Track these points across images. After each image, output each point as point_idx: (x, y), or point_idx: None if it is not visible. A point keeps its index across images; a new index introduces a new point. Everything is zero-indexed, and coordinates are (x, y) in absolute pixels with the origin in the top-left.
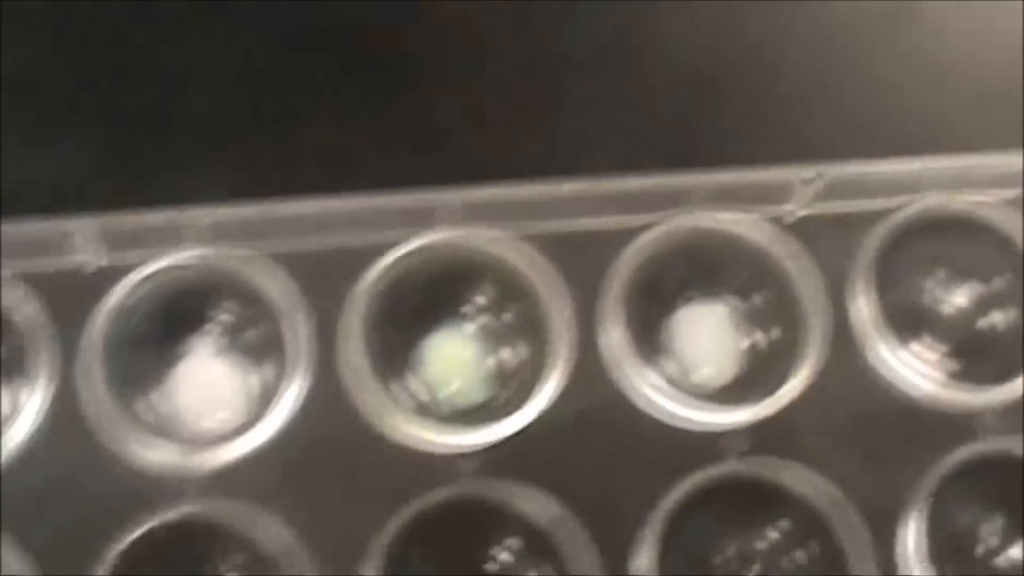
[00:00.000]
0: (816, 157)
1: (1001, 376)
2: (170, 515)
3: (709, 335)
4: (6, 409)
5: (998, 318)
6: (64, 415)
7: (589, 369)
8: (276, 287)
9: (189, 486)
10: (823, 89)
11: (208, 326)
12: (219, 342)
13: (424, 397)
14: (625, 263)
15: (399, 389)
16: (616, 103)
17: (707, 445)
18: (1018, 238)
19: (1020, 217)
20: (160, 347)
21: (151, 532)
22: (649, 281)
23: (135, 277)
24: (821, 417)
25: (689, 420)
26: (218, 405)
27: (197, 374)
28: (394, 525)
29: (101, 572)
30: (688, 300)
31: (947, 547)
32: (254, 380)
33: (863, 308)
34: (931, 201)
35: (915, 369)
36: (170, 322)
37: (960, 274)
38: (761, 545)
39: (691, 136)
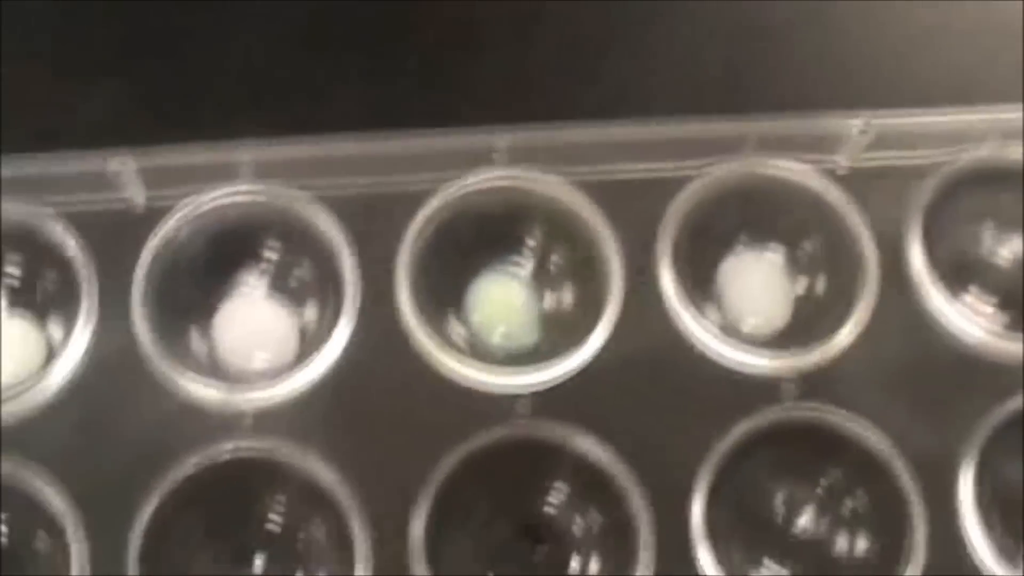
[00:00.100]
0: (868, 105)
1: None
2: (220, 453)
3: (760, 283)
4: (58, 341)
5: None
6: (113, 351)
7: (641, 314)
8: (326, 227)
9: (239, 424)
10: (876, 36)
11: (257, 264)
12: (268, 281)
13: (474, 339)
14: (677, 209)
15: (449, 331)
16: (669, 49)
17: (760, 391)
18: None
19: None
20: (209, 284)
21: (200, 469)
22: (701, 227)
23: (184, 212)
24: (874, 365)
25: (742, 365)
26: (267, 343)
27: (246, 312)
28: (445, 465)
29: (149, 507)
30: (739, 247)
31: (999, 496)
32: (303, 319)
33: (915, 258)
34: (984, 152)
35: (967, 319)
36: (218, 260)
37: (1013, 225)
38: (813, 491)
39: (743, 83)
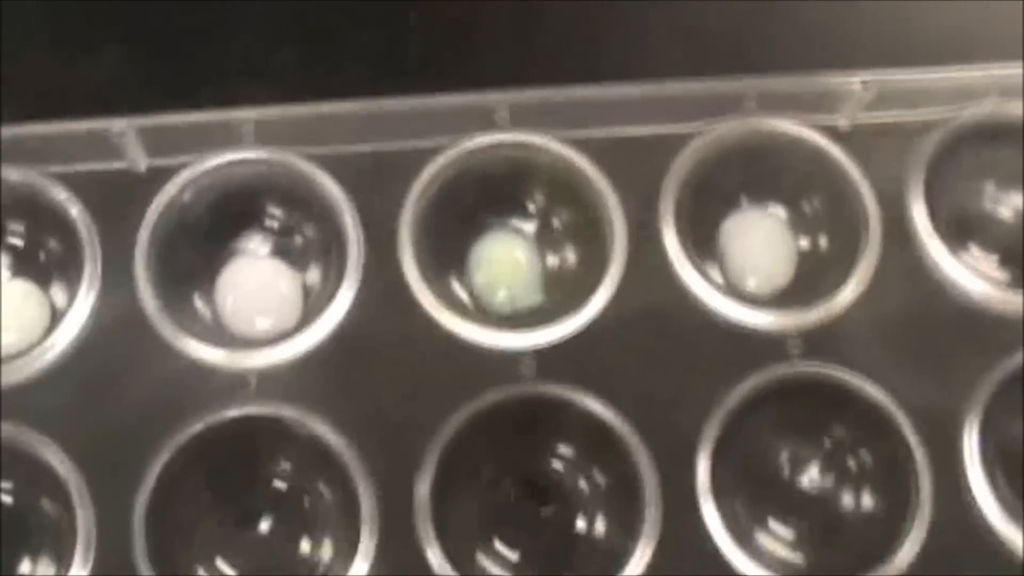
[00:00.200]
0: (869, 65)
1: None
2: (224, 415)
3: (762, 241)
4: (61, 306)
5: None
6: (116, 315)
7: (644, 272)
8: (329, 189)
9: (244, 386)
10: None
11: (260, 227)
12: (271, 244)
13: (477, 299)
14: (680, 168)
15: (453, 291)
16: (671, 11)
17: (764, 348)
18: None
19: None
20: (212, 248)
21: (205, 432)
22: (703, 186)
23: (186, 176)
24: (877, 321)
25: (745, 323)
26: (271, 306)
27: (249, 275)
28: (449, 425)
29: (154, 471)
30: (742, 206)
31: (1004, 451)
32: (306, 282)
33: (917, 214)
34: (985, 108)
35: (969, 274)
36: (221, 223)
37: (1014, 181)
38: (818, 448)
39: (744, 44)
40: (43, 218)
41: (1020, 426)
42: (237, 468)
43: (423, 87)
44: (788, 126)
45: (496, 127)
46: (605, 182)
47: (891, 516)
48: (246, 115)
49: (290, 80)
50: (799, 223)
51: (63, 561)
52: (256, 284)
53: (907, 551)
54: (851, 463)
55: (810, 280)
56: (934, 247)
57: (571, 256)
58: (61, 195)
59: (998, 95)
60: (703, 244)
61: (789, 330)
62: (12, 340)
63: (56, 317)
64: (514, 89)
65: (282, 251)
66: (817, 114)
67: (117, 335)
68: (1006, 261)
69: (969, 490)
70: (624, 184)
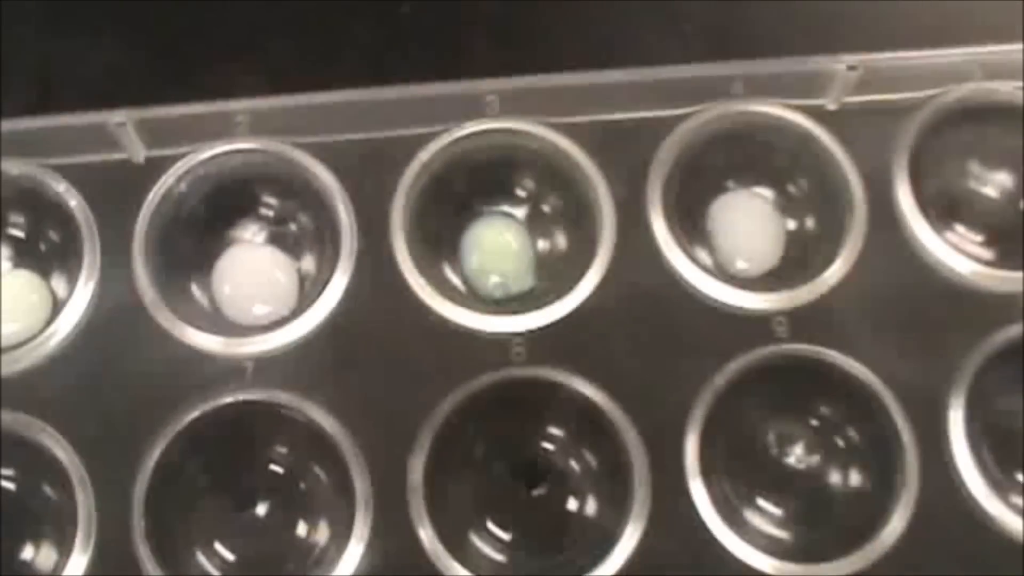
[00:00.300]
0: (854, 48)
1: None
2: (221, 401)
3: (750, 223)
4: (61, 295)
5: None
6: (115, 303)
7: (633, 255)
8: (323, 178)
9: (240, 372)
10: None
11: (255, 216)
12: (267, 232)
13: (470, 284)
14: (667, 151)
15: (445, 277)
16: None
17: (751, 329)
18: None
19: None
20: (209, 236)
21: (203, 417)
22: (691, 169)
23: (183, 167)
24: (863, 301)
25: (733, 305)
26: (267, 293)
27: (245, 263)
28: (442, 409)
29: (153, 456)
30: (729, 188)
31: (990, 429)
32: (301, 269)
33: (902, 194)
34: (968, 90)
35: (954, 253)
36: (217, 212)
37: (997, 161)
38: (805, 428)
39: (730, 27)
40: (43, 209)
41: (1005, 403)
42: (234, 452)
43: (414, 76)
44: (775, 109)
45: (486, 114)
46: (594, 166)
47: (878, 493)
48: (241, 106)
49: (284, 70)
50: (786, 205)
51: (64, 545)
52: (252, 272)
53: (894, 528)
54: (838, 441)
55: (797, 261)
56: (919, 227)
57: (561, 240)
58: (60, 187)
59: (981, 76)
60: (691, 227)
61: (776, 311)
62: (14, 329)
63: (56, 306)
64: (504, 77)
65: (277, 239)
66: (804, 97)
67: (116, 323)
68: (991, 240)
69: (955, 467)
70: (612, 168)
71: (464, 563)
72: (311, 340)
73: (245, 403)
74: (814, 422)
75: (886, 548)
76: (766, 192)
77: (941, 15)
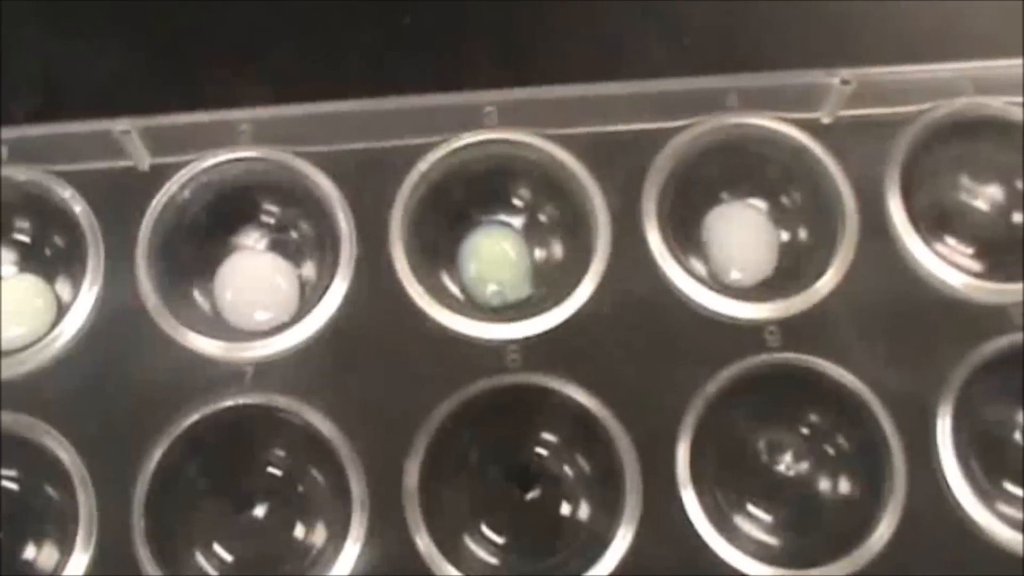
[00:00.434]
0: (848, 62)
1: None
2: (222, 405)
3: (744, 234)
4: (65, 299)
5: None
6: (119, 308)
7: (628, 265)
8: (323, 186)
9: (241, 377)
10: None
11: (257, 224)
12: (268, 239)
13: (467, 292)
14: (663, 163)
15: (443, 285)
16: (652, 9)
17: (744, 338)
18: None
19: None
20: (211, 243)
21: (203, 421)
22: (686, 181)
23: (186, 174)
24: (855, 311)
25: (725, 314)
26: (268, 299)
27: (247, 269)
28: (438, 415)
29: (154, 459)
30: (723, 200)
31: (977, 438)
32: (302, 276)
33: (894, 207)
34: (960, 104)
35: (945, 265)
36: (220, 219)
37: (988, 174)
38: (796, 436)
39: (725, 40)
40: (48, 215)
41: (993, 413)
42: (233, 455)
43: (415, 87)
44: (769, 122)
45: (485, 125)
46: (590, 177)
47: (866, 500)
48: (244, 115)
49: (286, 80)
50: (780, 216)
51: (65, 545)
52: (253, 278)
53: (881, 534)
54: (828, 449)
55: (789, 272)
56: (910, 239)
57: (557, 250)
58: (66, 193)
59: (973, 91)
60: (685, 237)
61: (768, 320)
62: (18, 333)
63: (61, 310)
64: (502, 88)
65: (278, 246)
66: (798, 110)
67: (119, 327)
68: (981, 252)
69: (942, 475)
70: (608, 179)
71: (458, 566)
72: (310, 345)
73: (245, 407)
74: (804, 430)
75: (874, 554)
76: (760, 204)
77: (935, 30)
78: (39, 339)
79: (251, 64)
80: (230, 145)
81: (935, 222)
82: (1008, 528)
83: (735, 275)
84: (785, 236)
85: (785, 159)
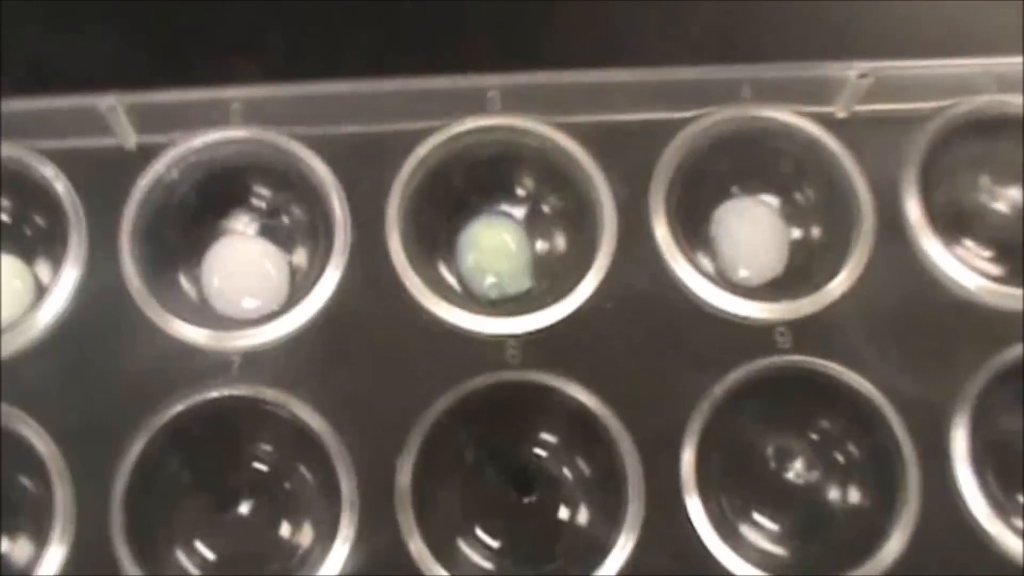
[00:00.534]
0: (866, 55)
1: None
2: (206, 396)
3: (754, 231)
4: (45, 282)
5: None
6: (101, 292)
7: (634, 260)
8: (317, 170)
9: (227, 367)
10: None
11: (247, 207)
12: (258, 224)
13: (466, 284)
14: (672, 155)
15: (440, 276)
16: None
17: (753, 339)
18: None
19: None
20: (199, 226)
21: (187, 413)
22: (696, 174)
23: (174, 154)
24: (868, 314)
25: (735, 313)
26: (257, 286)
27: (236, 255)
28: (433, 411)
29: (134, 451)
30: (734, 194)
31: (993, 447)
32: (293, 263)
33: (911, 206)
34: (982, 101)
35: (963, 268)
36: (208, 202)
37: (1009, 174)
38: (805, 442)
39: (740, 32)
40: (29, 193)
41: (1010, 423)
42: (218, 449)
43: (415, 68)
44: (782, 115)
45: (487, 110)
46: (596, 168)
47: (878, 511)
48: (236, 93)
49: (281, 59)
50: (792, 213)
51: (40, 540)
52: (242, 264)
53: (893, 547)
54: (838, 457)
55: (801, 271)
56: (927, 240)
57: (560, 242)
58: (47, 171)
59: (995, 87)
60: (694, 233)
61: (778, 321)
62: None
63: (40, 293)
64: (506, 72)
65: (269, 231)
66: (812, 104)
67: (101, 313)
68: (1000, 255)
69: (956, 486)
70: (615, 170)
71: (451, 569)
72: (301, 336)
73: (231, 399)
74: (814, 436)
75: (885, 567)
76: (771, 199)
77: (956, 24)
78: (16, 323)
79: (244, 40)
80: (221, 124)
81: (953, 223)
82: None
83: (743, 273)
84: (797, 234)
85: (799, 154)
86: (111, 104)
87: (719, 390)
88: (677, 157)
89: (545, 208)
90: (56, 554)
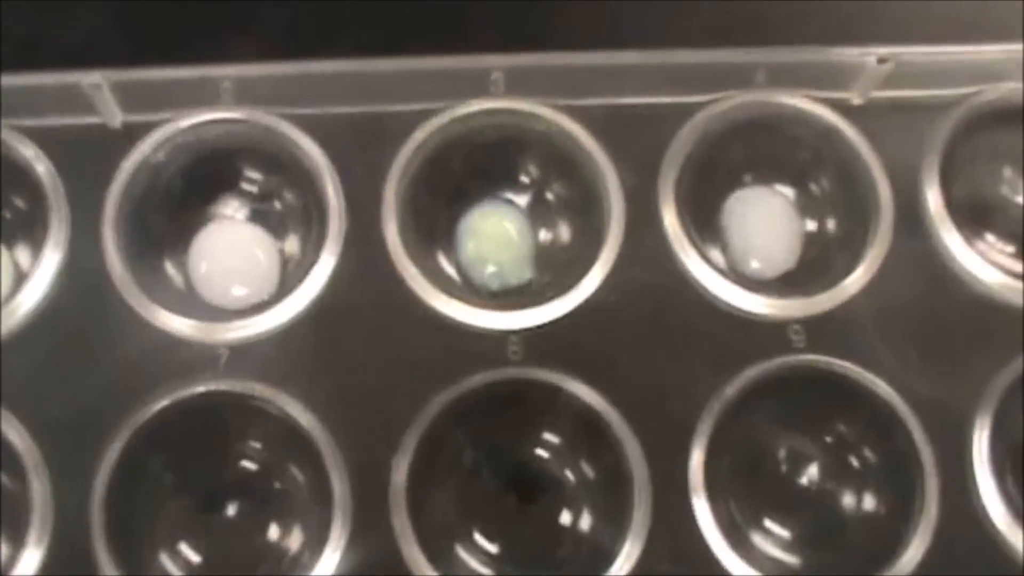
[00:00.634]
0: (885, 39)
1: None
2: (193, 391)
3: (767, 222)
4: (25, 267)
5: None
6: (83, 279)
7: (641, 252)
8: (311, 153)
9: (214, 360)
10: None
11: (237, 191)
12: (248, 209)
13: (465, 275)
14: (682, 142)
15: (439, 266)
16: None
17: (765, 337)
18: None
19: None
20: (186, 211)
21: (172, 408)
22: (707, 162)
23: (161, 135)
24: (886, 311)
25: (745, 310)
26: (247, 274)
27: (224, 241)
28: (430, 409)
29: (116, 448)
30: (747, 183)
31: (1015, 453)
32: (284, 250)
33: (932, 198)
34: (1007, 89)
35: (985, 264)
36: (197, 185)
37: None
38: (819, 445)
39: (754, 11)
40: (9, 174)
41: None
42: (204, 447)
43: (414, 48)
44: (798, 101)
45: (490, 92)
46: (603, 154)
47: (894, 518)
48: (227, 72)
49: (275, 35)
50: (806, 204)
51: (17, 539)
52: (231, 250)
53: (911, 555)
54: (853, 461)
55: (816, 265)
56: (948, 234)
57: (565, 232)
58: (28, 151)
59: (1020, 74)
60: (705, 223)
61: (792, 318)
62: None
63: (19, 279)
64: (511, 53)
65: (260, 217)
66: (829, 90)
67: (83, 301)
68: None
69: (977, 493)
70: (623, 157)
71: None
72: (292, 328)
73: (218, 394)
74: (829, 439)
75: None
76: (785, 189)
77: (980, 8)
78: None
79: (236, 16)
80: (210, 104)
81: (975, 217)
82: None
83: (755, 265)
84: (811, 226)
85: (814, 142)
86: (96, 82)
87: (730, 390)
88: (688, 143)
89: (549, 196)
90: (33, 555)
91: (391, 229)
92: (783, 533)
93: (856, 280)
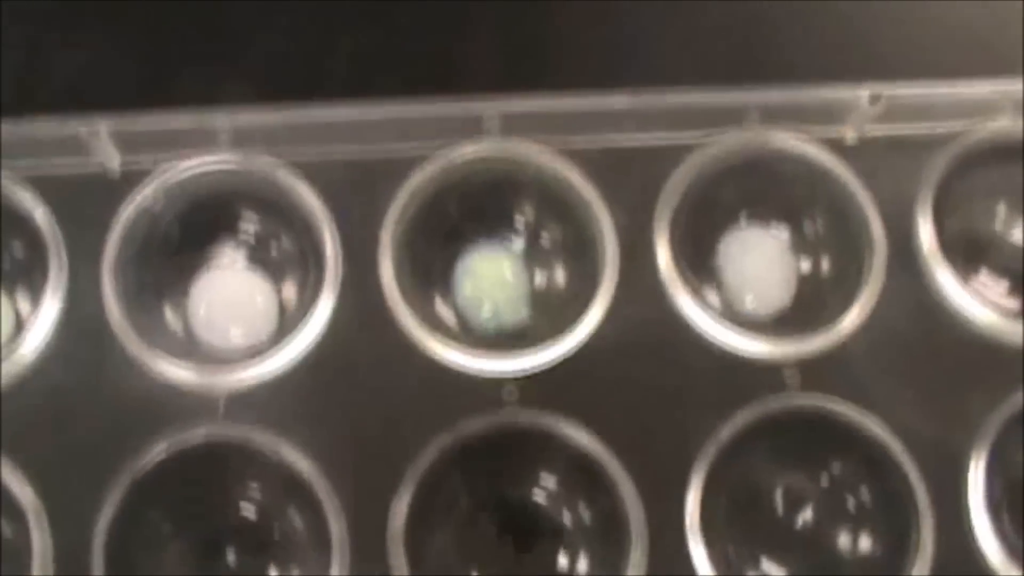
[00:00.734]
0: (877, 76)
1: None
2: (192, 438)
3: (761, 262)
4: (24, 315)
5: None
6: (82, 326)
7: (636, 294)
8: (308, 198)
9: (213, 406)
10: (885, 7)
11: (235, 236)
12: (246, 254)
13: (461, 318)
14: (676, 182)
15: (436, 310)
16: (668, 15)
17: (760, 378)
18: None
19: None
20: (184, 256)
21: (171, 455)
22: (701, 202)
23: (159, 180)
24: (880, 351)
25: (740, 351)
26: (245, 320)
27: (222, 286)
28: (427, 454)
29: (116, 496)
30: (741, 223)
31: (1011, 491)
32: (282, 295)
33: (925, 236)
34: (1000, 124)
35: (979, 302)
36: (195, 230)
37: None
38: (815, 485)
39: (747, 53)
40: (7, 221)
41: None
42: (204, 494)
43: (410, 92)
44: (791, 140)
45: (485, 136)
46: (597, 196)
47: (891, 558)
48: (224, 118)
49: (271, 81)
50: (801, 244)
51: None
52: (229, 297)
53: None
54: (849, 501)
55: (810, 305)
56: (942, 272)
57: (560, 274)
58: (26, 197)
59: (1013, 111)
60: (699, 264)
61: (786, 359)
62: None
63: (19, 326)
64: (505, 96)
65: (257, 262)
66: (822, 127)
67: (82, 348)
68: (1017, 289)
69: (972, 533)
70: (617, 198)
71: None
72: (290, 375)
73: (217, 441)
74: (824, 480)
75: None
76: (780, 229)
77: (972, 44)
78: None
79: (233, 63)
80: (208, 150)
81: (969, 254)
82: None
83: (749, 305)
84: (806, 266)
85: (808, 181)
86: (94, 128)
87: (725, 432)
88: (682, 184)
89: (544, 239)
90: None
91: (387, 273)
92: (779, 574)
93: (850, 320)
